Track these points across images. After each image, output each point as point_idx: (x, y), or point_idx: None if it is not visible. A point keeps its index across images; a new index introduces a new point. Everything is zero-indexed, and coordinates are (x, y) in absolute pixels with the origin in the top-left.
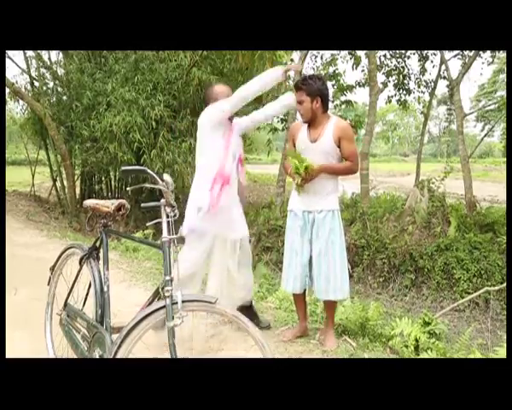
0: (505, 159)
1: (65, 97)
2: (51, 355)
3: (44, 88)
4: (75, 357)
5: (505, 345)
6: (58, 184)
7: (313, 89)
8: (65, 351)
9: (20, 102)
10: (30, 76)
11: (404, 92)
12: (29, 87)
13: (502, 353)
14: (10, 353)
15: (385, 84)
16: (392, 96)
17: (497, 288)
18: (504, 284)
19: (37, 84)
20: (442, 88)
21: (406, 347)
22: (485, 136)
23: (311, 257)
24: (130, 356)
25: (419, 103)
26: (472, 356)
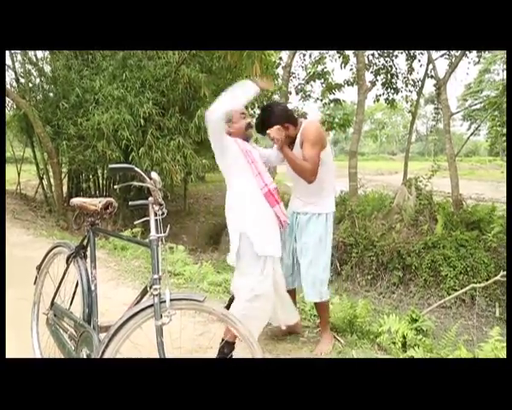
0: (490, 158)
1: (51, 94)
2: (37, 355)
3: (30, 85)
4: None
5: (490, 341)
6: (45, 182)
7: (276, 121)
8: (51, 351)
9: (6, 98)
10: (15, 72)
11: (392, 91)
12: (14, 84)
13: (487, 348)
14: None
15: (373, 83)
16: (380, 95)
17: (482, 285)
18: (490, 281)
19: (22, 80)
20: (429, 87)
21: (394, 343)
22: (471, 135)
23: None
24: (118, 355)
25: (407, 102)
26: (458, 352)
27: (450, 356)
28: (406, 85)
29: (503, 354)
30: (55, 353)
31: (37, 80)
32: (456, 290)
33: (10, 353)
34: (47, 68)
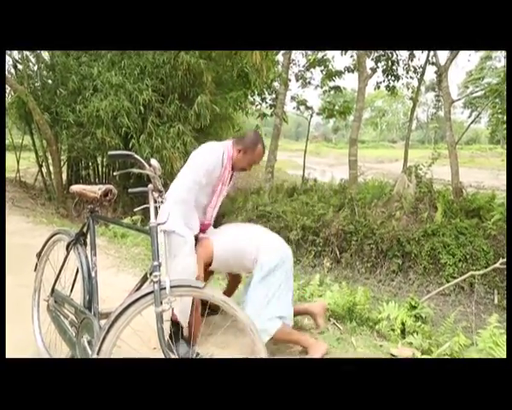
0: (491, 145)
1: (50, 81)
2: (39, 341)
3: (28, 71)
4: (65, 350)
5: (488, 328)
6: (44, 169)
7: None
8: (53, 337)
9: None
10: (13, 58)
11: (393, 78)
12: (12, 70)
13: (485, 335)
14: None
15: (373, 70)
16: (380, 82)
17: (481, 272)
18: (489, 269)
19: (20, 67)
20: (430, 74)
21: (393, 330)
22: (472, 122)
23: None
24: (119, 342)
25: (407, 89)
26: (456, 339)
27: (449, 342)
28: (407, 72)
29: (501, 341)
30: (56, 339)
31: (36, 67)
32: (455, 278)
33: (11, 339)
34: (45, 54)
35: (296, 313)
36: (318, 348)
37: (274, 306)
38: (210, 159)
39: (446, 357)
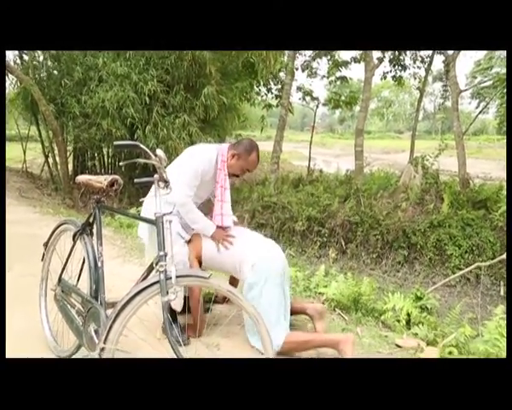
0: (499, 136)
1: (55, 72)
2: (46, 330)
3: (34, 62)
4: (72, 339)
5: (494, 319)
6: (50, 160)
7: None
8: (60, 326)
9: (10, 76)
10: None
11: (400, 68)
12: (18, 61)
13: (491, 326)
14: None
15: (380, 60)
16: (387, 73)
17: (487, 263)
18: (495, 260)
19: (26, 57)
20: (438, 64)
21: (398, 321)
22: (479, 113)
23: None
24: (125, 331)
25: (414, 79)
26: (462, 330)
27: (455, 333)
28: (414, 62)
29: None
30: (63, 328)
31: (41, 57)
32: (461, 269)
33: (19, 328)
34: None
35: (292, 312)
36: (348, 341)
37: (275, 318)
38: (202, 163)
39: (449, 351)
